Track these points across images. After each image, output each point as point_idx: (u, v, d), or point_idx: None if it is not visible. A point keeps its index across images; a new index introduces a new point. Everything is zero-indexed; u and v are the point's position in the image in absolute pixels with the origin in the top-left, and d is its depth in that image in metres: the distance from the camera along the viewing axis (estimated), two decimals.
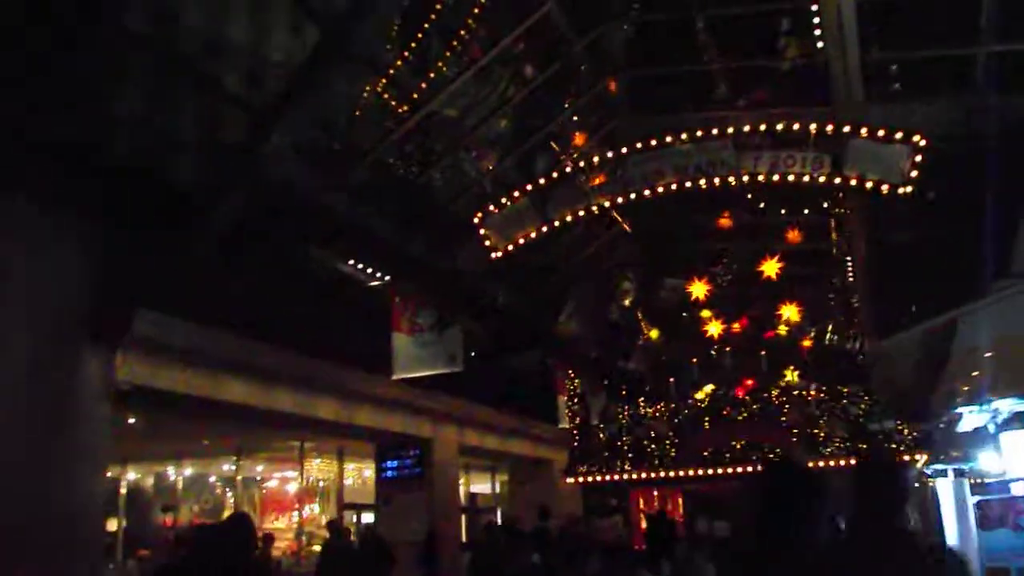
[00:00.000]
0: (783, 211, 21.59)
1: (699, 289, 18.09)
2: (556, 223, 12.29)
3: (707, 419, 15.79)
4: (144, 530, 24.12)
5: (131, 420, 17.46)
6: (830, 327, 21.72)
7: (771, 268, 18.00)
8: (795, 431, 15.00)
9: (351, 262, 12.66)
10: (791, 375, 17.93)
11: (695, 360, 22.19)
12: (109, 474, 24.66)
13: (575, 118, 17.42)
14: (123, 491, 23.64)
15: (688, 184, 11.79)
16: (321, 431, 18.37)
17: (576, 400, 16.91)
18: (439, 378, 17.90)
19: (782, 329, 23.72)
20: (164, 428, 18.44)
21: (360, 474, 26.38)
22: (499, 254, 12.32)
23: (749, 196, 20.65)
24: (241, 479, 23.71)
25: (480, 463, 27.89)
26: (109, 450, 10.18)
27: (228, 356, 13.55)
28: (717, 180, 11.72)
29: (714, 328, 19.77)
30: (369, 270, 12.79)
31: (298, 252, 12.79)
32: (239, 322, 13.12)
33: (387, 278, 12.78)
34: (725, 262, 20.35)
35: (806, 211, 21.04)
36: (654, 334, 23.22)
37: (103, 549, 9.51)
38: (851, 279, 20.44)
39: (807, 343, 23.49)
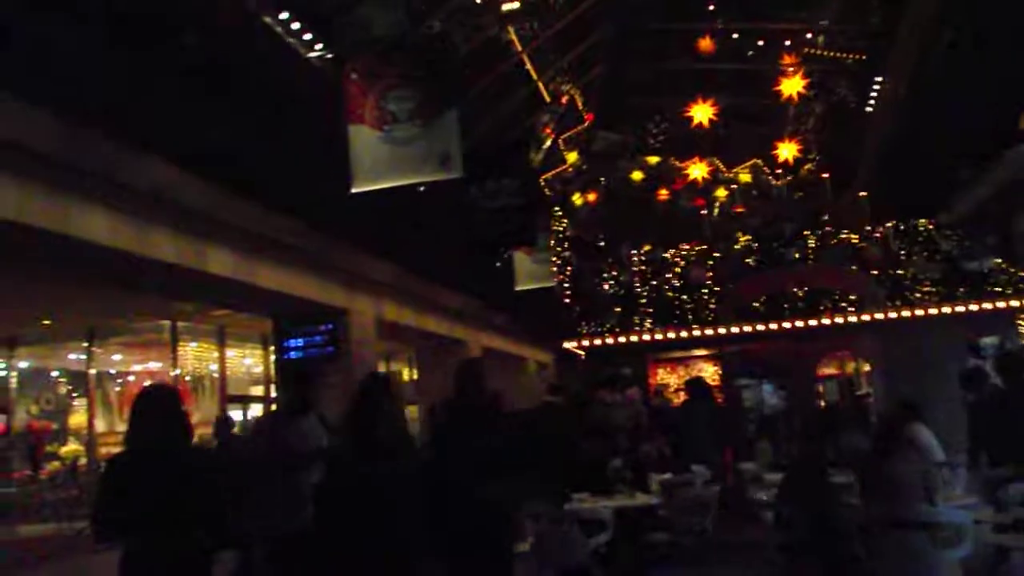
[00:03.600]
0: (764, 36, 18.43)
1: (703, 112, 14.37)
2: None
3: (755, 260, 12.27)
4: None
5: None
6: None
7: (792, 87, 14.37)
8: (875, 273, 11.66)
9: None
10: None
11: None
12: None
13: None
14: None
15: None
16: (209, 295, 13.93)
17: (565, 245, 13.09)
18: (355, 231, 13.86)
19: (720, 193, 20.93)
20: None
21: (240, 362, 22.00)
22: None
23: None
24: (95, 372, 18.87)
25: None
26: None
27: (81, 166, 8.97)
28: None
29: (697, 170, 16.30)
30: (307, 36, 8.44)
31: None
32: (98, 111, 8.58)
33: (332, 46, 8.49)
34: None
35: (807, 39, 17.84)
36: (577, 200, 20.12)
37: None
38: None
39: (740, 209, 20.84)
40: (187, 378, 20.13)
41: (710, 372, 13.34)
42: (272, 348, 20.26)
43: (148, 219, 10.34)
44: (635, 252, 12.64)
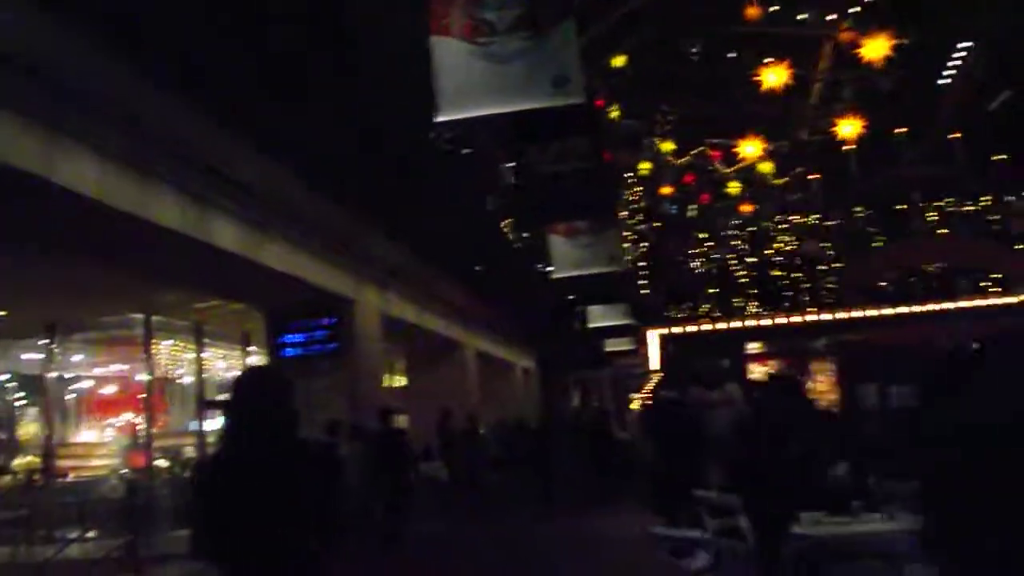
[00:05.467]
0: None
1: (777, 74, 12.78)
2: None
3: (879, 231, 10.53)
4: None
5: None
6: None
7: (877, 49, 12.76)
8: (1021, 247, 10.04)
9: None
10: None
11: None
12: None
13: None
14: None
15: None
16: (203, 277, 11.83)
17: (642, 216, 11.24)
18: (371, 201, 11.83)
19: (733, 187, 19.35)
20: None
21: (212, 364, 19.56)
22: None
23: None
24: (53, 376, 16.43)
25: None
26: None
27: (59, 81, 6.88)
28: None
29: (751, 147, 14.67)
30: None
31: None
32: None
33: None
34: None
35: None
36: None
37: None
38: None
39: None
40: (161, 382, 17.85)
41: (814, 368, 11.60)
42: (251, 349, 18.06)
43: (143, 170, 8.26)
44: (731, 222, 10.95)
